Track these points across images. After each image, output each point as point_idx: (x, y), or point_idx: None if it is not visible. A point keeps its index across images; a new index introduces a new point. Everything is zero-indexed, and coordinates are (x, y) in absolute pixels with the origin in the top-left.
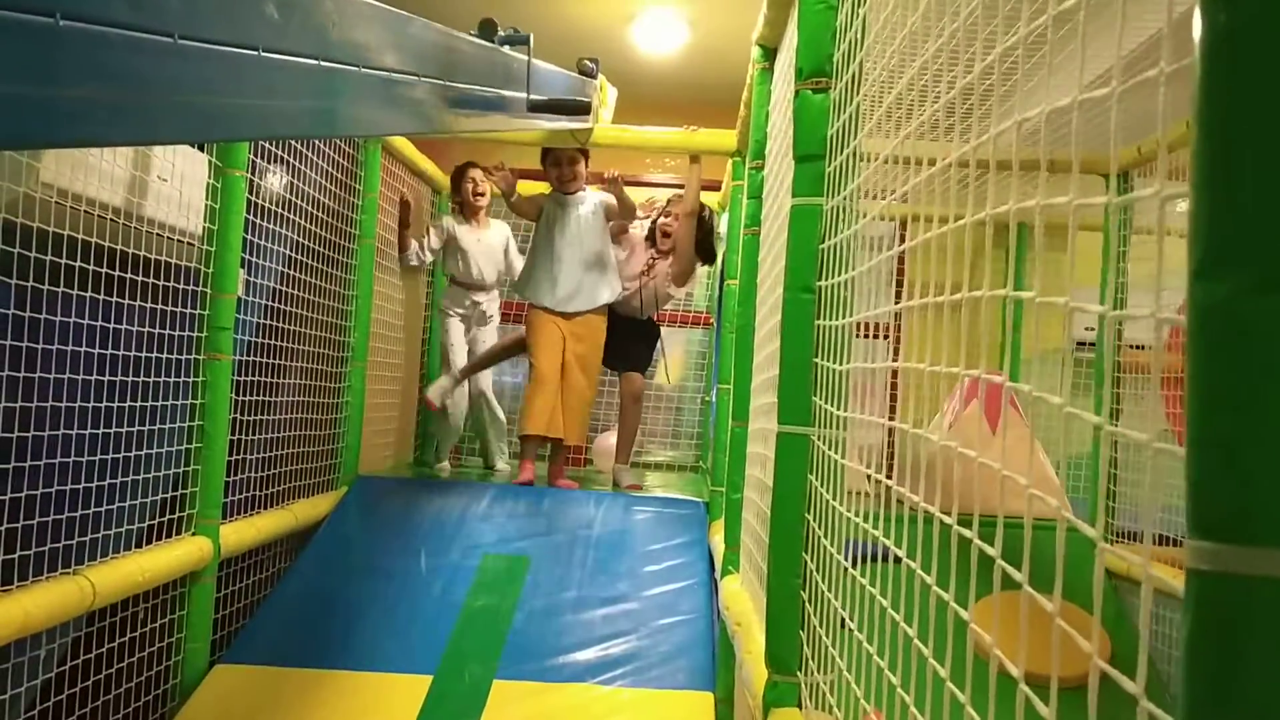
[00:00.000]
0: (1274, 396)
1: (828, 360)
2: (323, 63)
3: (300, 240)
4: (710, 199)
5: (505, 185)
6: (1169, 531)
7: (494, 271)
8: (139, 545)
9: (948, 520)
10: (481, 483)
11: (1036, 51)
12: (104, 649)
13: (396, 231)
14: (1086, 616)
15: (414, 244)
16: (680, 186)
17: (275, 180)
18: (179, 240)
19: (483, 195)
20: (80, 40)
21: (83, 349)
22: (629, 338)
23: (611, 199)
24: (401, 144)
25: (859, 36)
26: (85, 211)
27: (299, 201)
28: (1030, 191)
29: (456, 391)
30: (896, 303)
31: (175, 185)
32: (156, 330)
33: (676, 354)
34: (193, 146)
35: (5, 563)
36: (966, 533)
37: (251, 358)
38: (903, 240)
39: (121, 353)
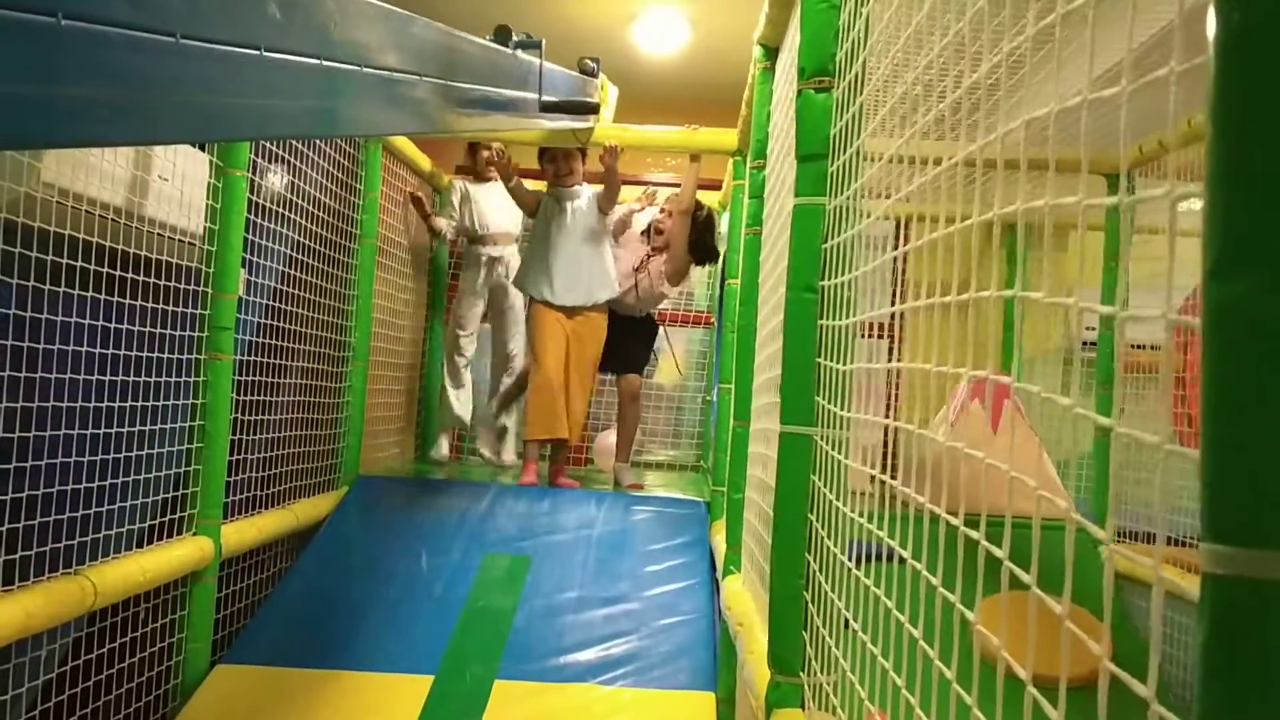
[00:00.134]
0: None
1: (830, 360)
2: (324, 62)
3: (301, 240)
4: (711, 198)
5: (504, 170)
6: (1169, 531)
7: (506, 220)
8: (140, 545)
9: (950, 520)
10: (482, 483)
11: (1041, 48)
12: (105, 649)
13: (421, 223)
14: (1088, 616)
15: (441, 222)
16: (679, 185)
17: (276, 180)
18: (180, 240)
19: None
20: (82, 40)
21: (84, 349)
22: (626, 336)
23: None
24: (402, 143)
25: (862, 36)
26: (86, 211)
27: (300, 201)
28: (1032, 191)
29: (465, 381)
30: (895, 302)
31: (176, 185)
32: (157, 330)
33: (677, 353)
34: (194, 146)
35: (6, 563)
36: (974, 534)
37: (252, 357)
38: (901, 239)
39: (123, 352)
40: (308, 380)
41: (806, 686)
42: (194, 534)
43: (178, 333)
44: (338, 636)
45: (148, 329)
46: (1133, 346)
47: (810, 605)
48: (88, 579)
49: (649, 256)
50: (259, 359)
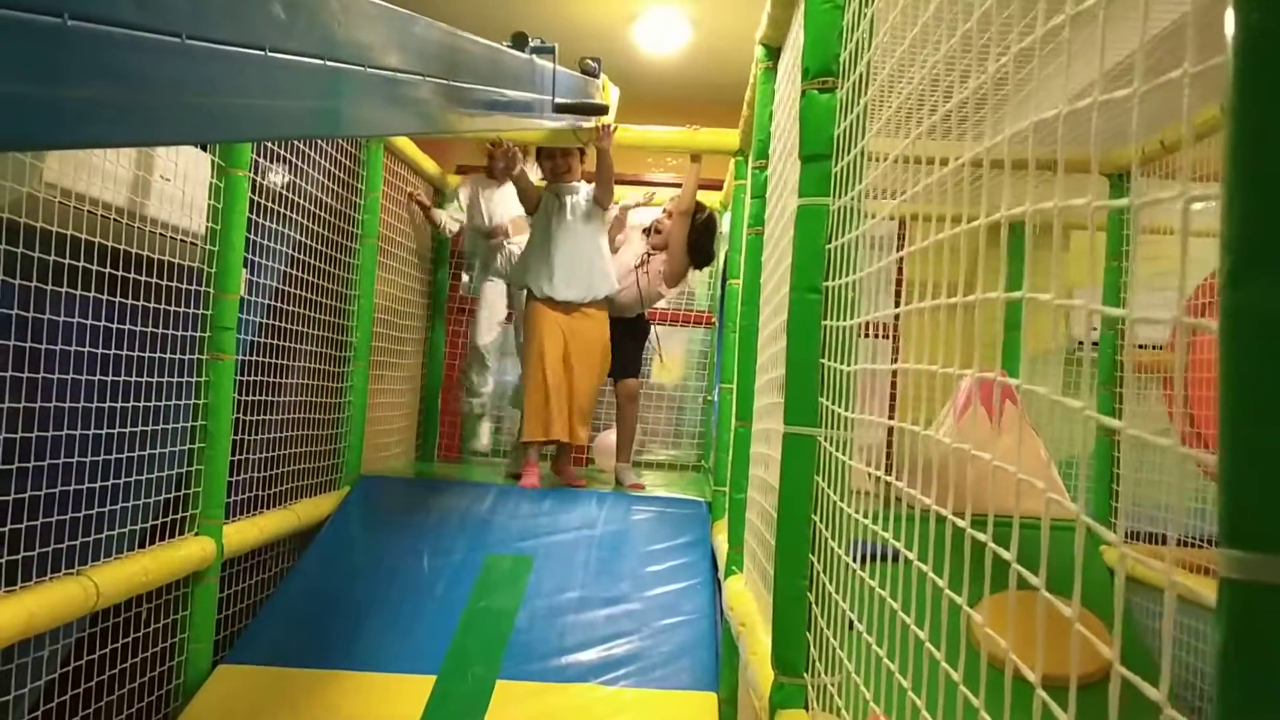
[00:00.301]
0: None
1: (834, 361)
2: (329, 62)
3: (302, 239)
4: (712, 198)
5: (508, 161)
6: (1170, 531)
7: (517, 208)
8: (142, 545)
9: (952, 519)
10: (484, 483)
11: (1050, 44)
12: (107, 649)
13: (425, 219)
14: (1089, 615)
15: (441, 215)
16: (680, 186)
17: (278, 179)
18: (182, 240)
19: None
20: (88, 41)
21: (86, 349)
22: (622, 337)
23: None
24: (403, 143)
25: (866, 36)
26: (88, 211)
27: (301, 201)
28: (1038, 191)
29: (488, 374)
30: (896, 301)
31: (178, 185)
32: (159, 330)
33: (676, 353)
34: (196, 146)
35: (9, 563)
36: (981, 537)
37: (254, 357)
38: (902, 239)
39: (124, 353)
40: (309, 380)
41: (810, 687)
42: (196, 534)
43: (180, 333)
44: (340, 636)
45: (149, 329)
46: (1137, 346)
47: (814, 606)
48: (90, 579)
49: (648, 256)
50: (260, 359)
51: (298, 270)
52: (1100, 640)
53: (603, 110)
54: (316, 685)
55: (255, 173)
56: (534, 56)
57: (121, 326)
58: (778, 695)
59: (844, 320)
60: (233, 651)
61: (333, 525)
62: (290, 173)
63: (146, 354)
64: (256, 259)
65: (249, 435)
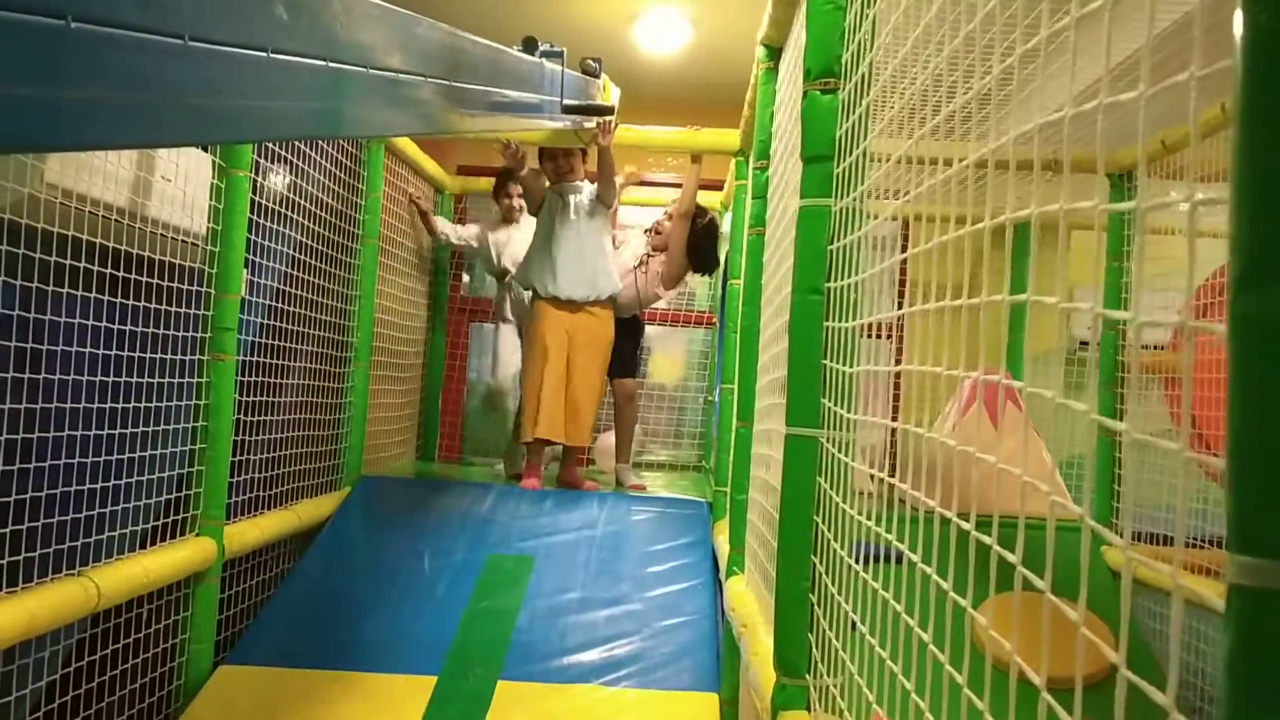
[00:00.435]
0: None
1: (836, 362)
2: (331, 63)
3: (303, 240)
4: (713, 198)
5: (515, 161)
6: (1167, 531)
7: (520, 256)
8: (143, 546)
9: (956, 520)
10: (485, 483)
11: (1053, 44)
12: (108, 650)
13: (422, 226)
14: (1091, 616)
15: (440, 224)
16: (680, 186)
17: (278, 180)
18: (183, 241)
19: (519, 209)
20: (91, 42)
21: (87, 350)
22: (617, 336)
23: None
24: (404, 144)
25: (868, 37)
26: (89, 212)
27: (302, 201)
28: (1040, 192)
29: (500, 387)
30: (899, 300)
31: (179, 185)
32: (160, 331)
33: (676, 353)
34: (198, 147)
35: (10, 564)
36: (986, 539)
37: (254, 358)
38: (905, 239)
39: (126, 353)
40: (310, 380)
41: (812, 689)
42: (197, 535)
43: (181, 333)
44: (341, 637)
45: (150, 330)
46: (1142, 346)
47: (816, 607)
48: (91, 580)
49: (648, 257)
50: (261, 359)
51: (298, 271)
52: (1104, 640)
53: (609, 111)
54: (317, 686)
55: (256, 173)
56: (544, 60)
57: (122, 327)
58: (780, 696)
59: (846, 321)
60: (234, 652)
61: (333, 526)
62: (291, 173)
63: (147, 355)
64: (257, 259)
65: (250, 436)
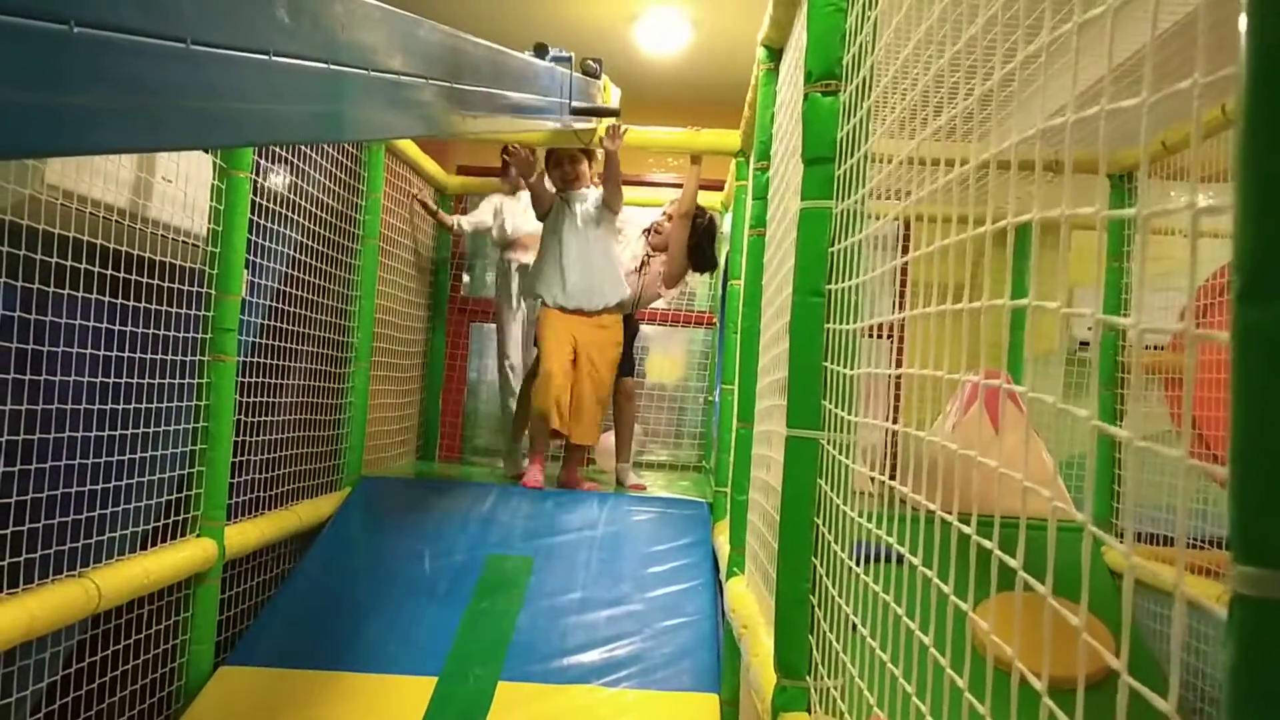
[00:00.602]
0: None
1: (836, 364)
2: (333, 66)
3: (304, 240)
4: (713, 198)
5: (523, 166)
6: (1168, 531)
7: (529, 223)
8: (144, 547)
9: (951, 521)
10: (485, 483)
11: (1054, 44)
12: (109, 651)
13: (433, 220)
14: (1092, 617)
15: (452, 218)
16: (680, 186)
17: (279, 180)
18: (183, 241)
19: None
20: (94, 47)
21: (88, 351)
22: None
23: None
24: (405, 144)
25: (869, 39)
26: (90, 213)
27: (302, 202)
28: (1043, 193)
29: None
30: (900, 299)
31: (180, 186)
32: (161, 332)
33: (676, 353)
34: (199, 150)
35: (11, 566)
36: (987, 544)
37: (255, 359)
38: (907, 239)
39: (126, 355)
40: (310, 381)
41: (813, 690)
42: (197, 536)
43: (181, 334)
44: (341, 638)
45: (151, 331)
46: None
47: (816, 609)
48: (91, 581)
49: (648, 257)
50: (262, 360)
51: (299, 271)
52: (1103, 641)
53: (614, 114)
54: (318, 687)
55: (257, 174)
56: (555, 65)
57: (123, 328)
58: (780, 698)
59: (846, 323)
60: (234, 653)
61: (334, 526)
62: (291, 174)
63: (148, 356)
64: (258, 260)
65: (250, 436)
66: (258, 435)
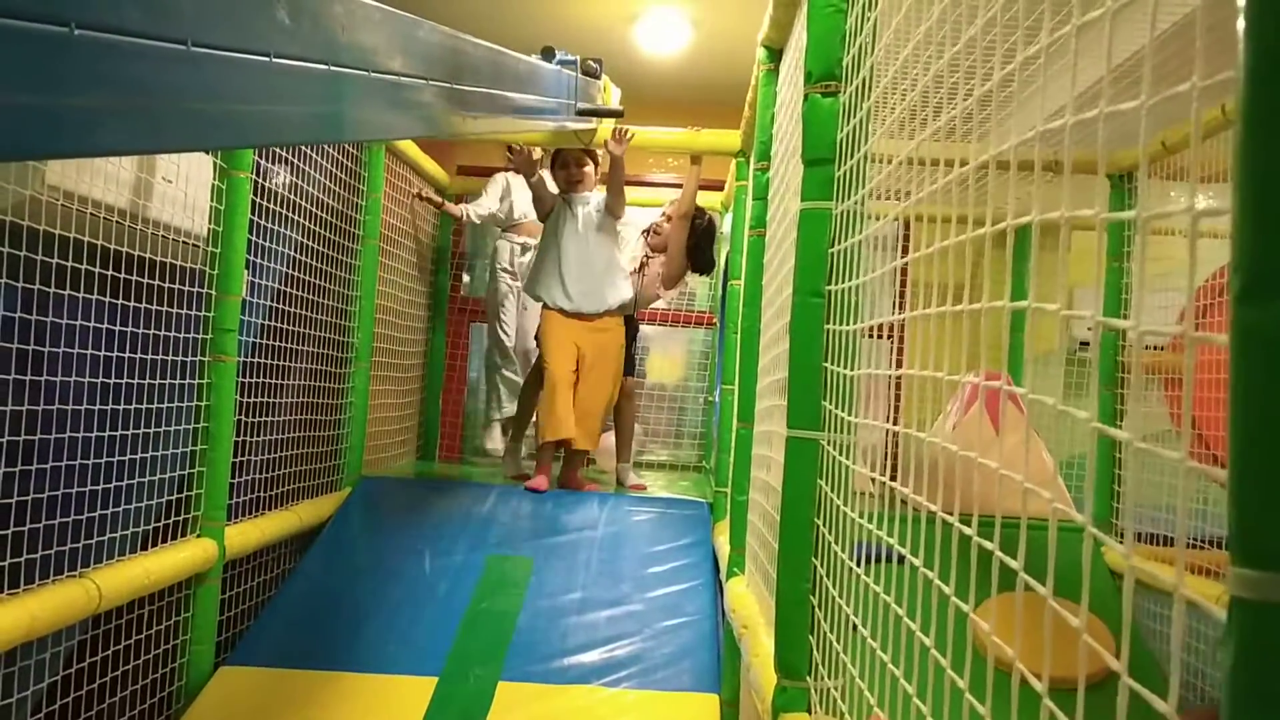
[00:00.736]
0: None
1: (836, 365)
2: (333, 68)
3: (304, 240)
4: (713, 198)
5: (525, 166)
6: (1168, 531)
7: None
8: (144, 548)
9: (957, 525)
10: (485, 484)
11: (1053, 46)
12: (110, 651)
13: (438, 211)
14: (1092, 617)
15: (462, 209)
16: (680, 186)
17: (279, 181)
18: (184, 242)
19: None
20: (95, 49)
21: (88, 352)
22: None
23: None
24: (405, 144)
25: (869, 41)
26: (90, 214)
27: (302, 202)
28: (1043, 193)
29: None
30: (900, 299)
31: (180, 187)
32: (161, 332)
33: (676, 353)
34: (200, 152)
35: (11, 566)
36: (988, 545)
37: (255, 359)
38: (907, 239)
39: (126, 355)
40: (310, 381)
41: (813, 691)
42: (198, 536)
43: (182, 335)
44: (341, 638)
45: (151, 331)
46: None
47: (816, 609)
48: (92, 581)
49: (647, 258)
50: (262, 360)
51: (299, 272)
52: (1104, 641)
53: (619, 114)
54: (318, 687)
55: (257, 174)
56: (561, 68)
57: (123, 329)
58: (780, 698)
59: (846, 324)
60: (234, 653)
61: (334, 526)
62: (292, 174)
63: (148, 356)
64: (258, 260)
65: (250, 437)
66: (258, 435)
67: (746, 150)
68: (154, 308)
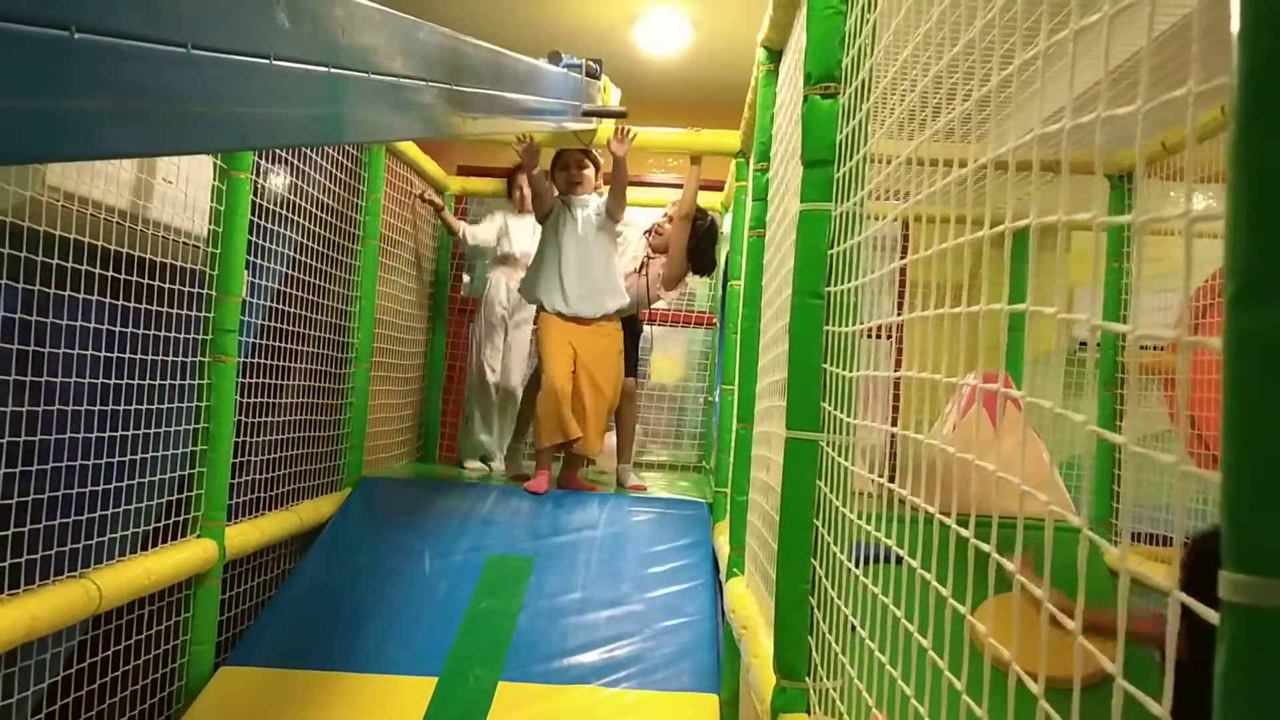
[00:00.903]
0: None
1: (836, 366)
2: (333, 70)
3: (304, 241)
4: (713, 199)
5: (528, 157)
6: (1166, 531)
7: (532, 245)
8: (144, 548)
9: (955, 527)
10: (484, 484)
11: (1051, 48)
12: (110, 652)
13: (437, 218)
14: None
15: (460, 226)
16: (680, 187)
17: (279, 181)
18: (184, 243)
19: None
20: (95, 53)
21: (88, 352)
22: None
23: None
24: (405, 145)
25: (868, 42)
26: (91, 215)
27: (302, 203)
28: (1042, 194)
29: (493, 405)
30: (899, 299)
31: (180, 188)
32: (161, 333)
33: (676, 353)
34: (201, 155)
35: (12, 566)
36: (985, 547)
37: (255, 359)
38: (905, 239)
39: (127, 356)
40: (311, 382)
41: (812, 691)
42: (198, 536)
43: (182, 335)
44: (341, 638)
45: (151, 332)
46: (1141, 347)
47: (815, 610)
48: (92, 582)
49: (648, 259)
50: (262, 361)
51: (299, 272)
52: (1118, 658)
53: (623, 115)
54: (318, 687)
55: (257, 175)
56: (567, 71)
57: (123, 329)
58: (779, 699)
59: (846, 325)
60: (234, 653)
61: (334, 527)
62: (292, 175)
63: (148, 357)
64: (258, 261)
65: (250, 437)
66: (258, 436)
67: (746, 151)
68: (154, 308)
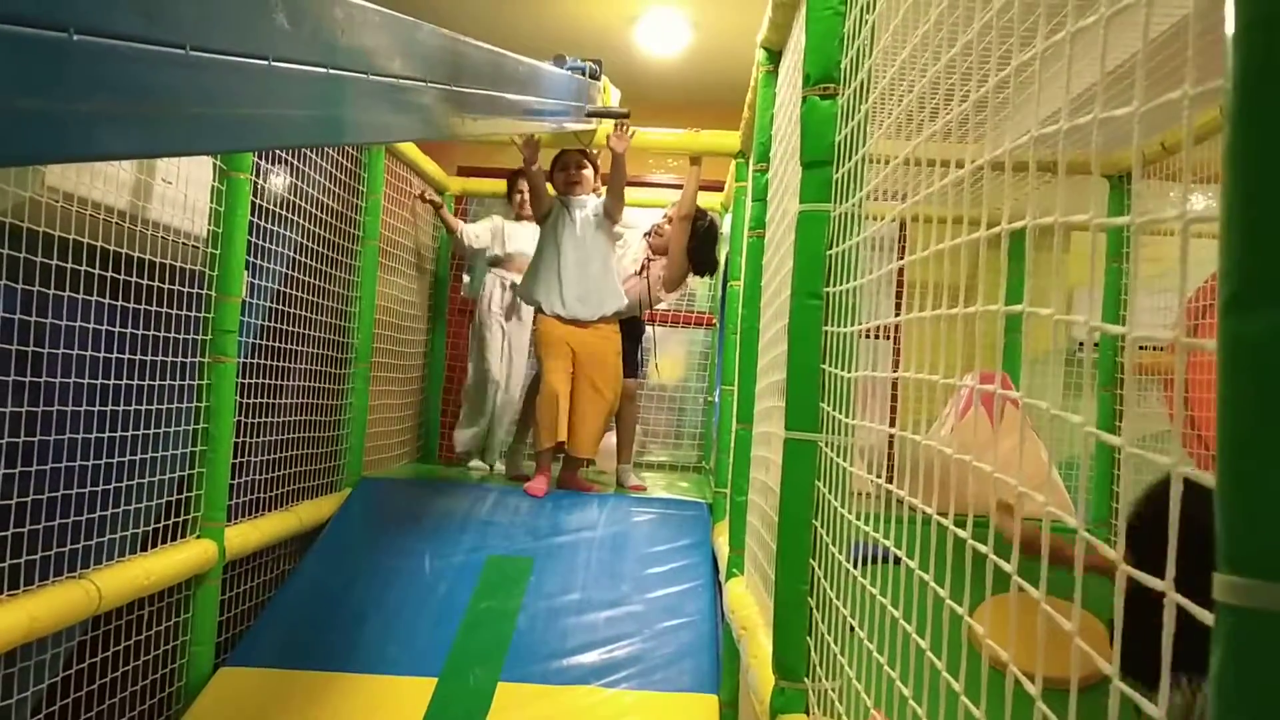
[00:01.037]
0: None
1: (835, 366)
2: (333, 71)
3: (304, 242)
4: (713, 199)
5: (529, 152)
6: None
7: (528, 247)
8: (144, 548)
9: (953, 528)
10: (484, 484)
11: (1049, 48)
12: (109, 652)
13: (437, 217)
14: (1088, 617)
15: (461, 227)
16: (680, 187)
17: (279, 182)
18: (183, 243)
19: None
20: (93, 54)
21: (88, 353)
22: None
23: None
24: (405, 146)
25: (867, 43)
26: (90, 215)
27: (302, 203)
28: (1040, 194)
29: (488, 407)
30: (898, 299)
31: (180, 188)
32: (161, 333)
33: (676, 353)
34: (201, 156)
35: (11, 567)
36: (982, 548)
37: (255, 360)
38: (903, 240)
39: (126, 356)
40: (310, 382)
41: (811, 692)
42: (198, 537)
43: (181, 336)
44: (341, 639)
45: (151, 333)
46: (1140, 347)
47: (814, 611)
48: (92, 583)
49: (649, 261)
50: (262, 361)
51: (299, 273)
52: (1099, 642)
53: (625, 115)
54: (318, 688)
55: (257, 175)
56: (571, 73)
57: (123, 330)
58: (778, 700)
59: (845, 326)
60: (234, 654)
61: (334, 527)
62: (292, 175)
63: (148, 358)
64: (258, 261)
65: (250, 438)
66: (258, 436)
67: (746, 151)
68: (154, 309)
